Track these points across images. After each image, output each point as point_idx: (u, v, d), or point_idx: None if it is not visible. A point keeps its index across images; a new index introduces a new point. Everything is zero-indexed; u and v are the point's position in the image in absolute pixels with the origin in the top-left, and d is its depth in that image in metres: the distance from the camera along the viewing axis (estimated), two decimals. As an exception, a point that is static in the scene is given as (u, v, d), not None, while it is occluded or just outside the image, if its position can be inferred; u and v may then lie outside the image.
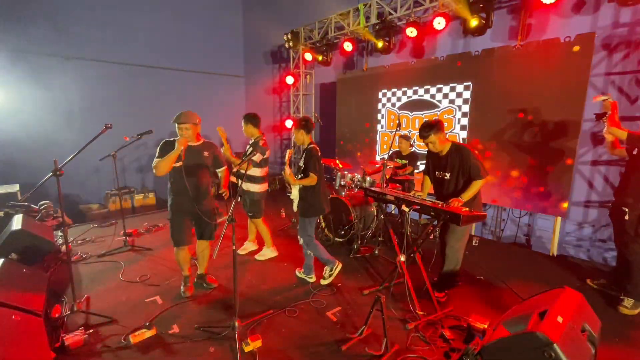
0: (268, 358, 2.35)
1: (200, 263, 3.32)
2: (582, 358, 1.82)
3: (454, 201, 2.76)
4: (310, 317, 2.83)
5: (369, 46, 6.04)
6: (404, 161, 4.59)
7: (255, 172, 3.74)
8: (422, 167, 5.24)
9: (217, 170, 3.18)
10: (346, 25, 5.73)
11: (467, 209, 2.63)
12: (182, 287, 3.20)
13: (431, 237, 3.70)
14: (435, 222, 2.85)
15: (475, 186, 2.82)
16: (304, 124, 3.19)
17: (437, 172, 3.09)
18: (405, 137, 4.64)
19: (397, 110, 5.59)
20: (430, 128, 2.89)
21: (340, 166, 4.70)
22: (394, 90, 5.58)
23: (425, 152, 3.22)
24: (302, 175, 3.20)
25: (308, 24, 6.43)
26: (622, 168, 3.74)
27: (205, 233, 3.14)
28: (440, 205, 2.72)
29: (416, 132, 5.31)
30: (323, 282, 3.39)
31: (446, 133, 3.01)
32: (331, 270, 3.39)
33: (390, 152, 4.34)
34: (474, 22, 4.14)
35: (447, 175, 2.99)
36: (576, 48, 3.67)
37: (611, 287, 3.20)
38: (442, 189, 3.09)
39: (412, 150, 4.76)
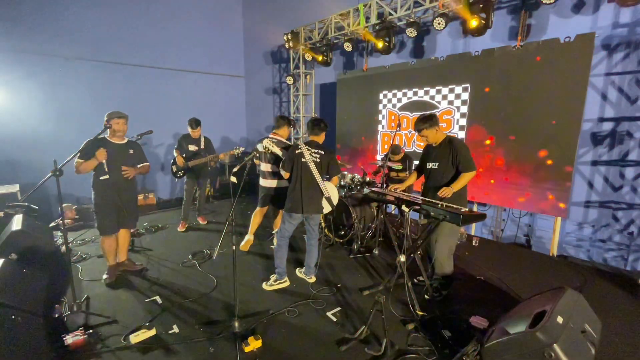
0: (268, 358, 2.35)
1: None
2: (582, 358, 1.82)
3: (444, 190, 2.80)
4: (310, 318, 2.83)
5: (369, 46, 6.03)
6: (399, 166, 4.56)
7: (268, 168, 3.92)
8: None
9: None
10: (346, 25, 5.73)
11: (455, 205, 2.65)
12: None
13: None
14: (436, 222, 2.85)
15: (465, 178, 2.86)
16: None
17: (428, 164, 3.15)
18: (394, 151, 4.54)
19: (398, 111, 5.59)
20: (424, 121, 2.99)
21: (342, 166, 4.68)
22: (394, 91, 5.58)
23: (420, 152, 3.25)
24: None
25: (308, 24, 6.43)
26: (622, 168, 3.75)
27: None
28: (440, 206, 2.72)
29: (416, 132, 5.32)
30: (265, 286, 3.32)
31: (442, 126, 3.06)
32: (276, 281, 3.32)
33: (387, 153, 4.34)
34: (473, 23, 4.13)
35: (435, 166, 3.04)
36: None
37: None
38: (429, 180, 3.14)
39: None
